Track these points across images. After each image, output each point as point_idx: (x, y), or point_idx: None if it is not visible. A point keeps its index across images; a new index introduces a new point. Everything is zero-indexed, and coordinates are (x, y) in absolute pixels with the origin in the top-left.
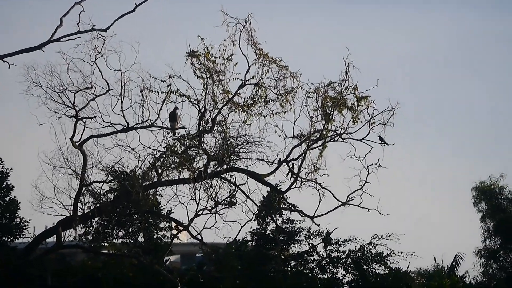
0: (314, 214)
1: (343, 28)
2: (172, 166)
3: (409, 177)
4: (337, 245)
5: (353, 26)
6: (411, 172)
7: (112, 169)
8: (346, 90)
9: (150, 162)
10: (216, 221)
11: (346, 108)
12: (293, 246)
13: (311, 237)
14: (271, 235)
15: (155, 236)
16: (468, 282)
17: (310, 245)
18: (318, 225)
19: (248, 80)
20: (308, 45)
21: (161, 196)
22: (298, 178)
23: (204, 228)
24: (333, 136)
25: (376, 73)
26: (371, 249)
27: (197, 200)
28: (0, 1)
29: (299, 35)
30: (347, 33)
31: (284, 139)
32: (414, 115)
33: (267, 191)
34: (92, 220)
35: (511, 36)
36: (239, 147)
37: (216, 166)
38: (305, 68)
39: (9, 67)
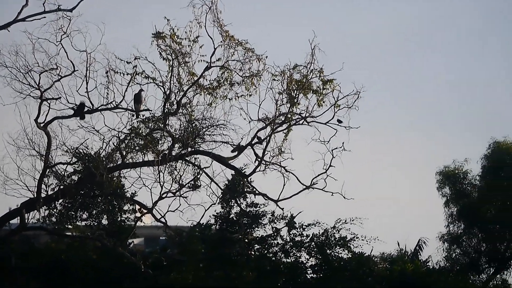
0: (278, 198)
1: (310, 10)
2: (137, 148)
3: (373, 161)
4: (301, 229)
5: (319, 8)
6: (375, 156)
7: (77, 151)
8: (311, 73)
9: (115, 144)
10: (180, 204)
11: (311, 91)
12: (257, 230)
13: (275, 221)
14: (235, 218)
15: (119, 219)
16: (431, 267)
17: (274, 229)
18: (282, 209)
19: (214, 62)
20: (275, 28)
21: (125, 178)
22: (263, 162)
23: (168, 211)
24: (298, 120)
25: (342, 55)
26: (334, 233)
27: (161, 183)
28: None
29: (266, 17)
30: (313, 15)
31: (249, 122)
32: (379, 98)
33: (232, 174)
34: (56, 202)
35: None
36: (204, 130)
37: (180, 149)
38: (271, 50)
39: None
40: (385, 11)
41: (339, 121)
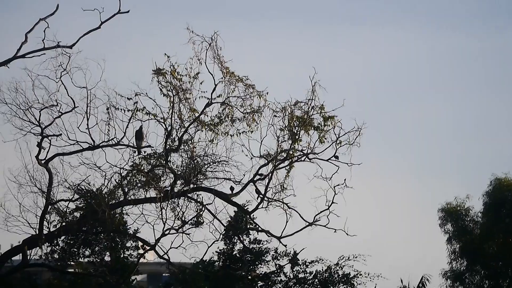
0: (281, 235)
1: (311, 48)
2: (139, 185)
3: (376, 197)
4: (304, 265)
5: (320, 46)
6: (378, 193)
7: (78, 187)
8: (312, 110)
9: (117, 180)
10: (183, 241)
11: (312, 128)
12: (260, 267)
13: (278, 257)
14: (238, 255)
15: (122, 256)
16: None
17: (277, 265)
18: (285, 246)
19: (215, 98)
20: (275, 64)
21: (128, 215)
22: (265, 198)
23: (171, 247)
24: (299, 156)
25: (343, 92)
26: (338, 270)
27: (164, 220)
28: None
29: (266, 54)
30: (314, 52)
31: (251, 159)
32: (381, 135)
33: (234, 211)
34: (58, 239)
35: (476, 53)
36: (206, 166)
37: (183, 186)
38: (272, 87)
39: None
40: (386, 50)
41: (336, 157)
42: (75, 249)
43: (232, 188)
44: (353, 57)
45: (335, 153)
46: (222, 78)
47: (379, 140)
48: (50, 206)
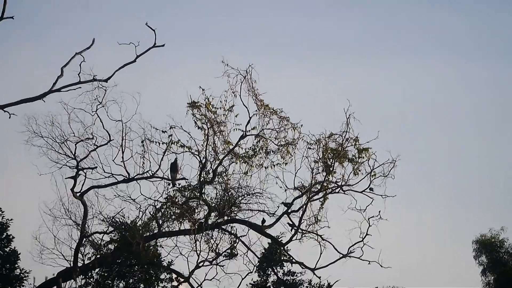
0: (315, 266)
1: (345, 80)
2: (173, 217)
3: (410, 229)
4: None
5: (355, 78)
6: (412, 224)
7: (113, 220)
8: (347, 142)
9: (151, 213)
10: (217, 273)
11: (347, 160)
12: None
13: None
14: (272, 287)
15: None
16: None
17: None
18: (319, 278)
19: (249, 131)
20: (310, 97)
21: (162, 247)
22: (299, 230)
23: (205, 279)
24: (334, 188)
25: (377, 124)
26: None
27: (198, 252)
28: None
29: (300, 86)
30: (349, 84)
31: (285, 191)
32: (415, 166)
33: (268, 242)
34: (93, 271)
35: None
36: (240, 198)
37: (217, 218)
38: (306, 119)
39: (9, 117)
40: (421, 81)
41: (371, 189)
42: (109, 282)
43: (264, 221)
44: (387, 88)
45: (369, 185)
46: (256, 110)
47: (413, 172)
48: (84, 239)
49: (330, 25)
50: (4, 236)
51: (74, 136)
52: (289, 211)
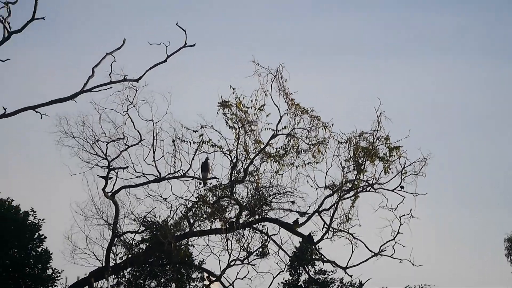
0: (347, 265)
1: (376, 79)
2: (204, 216)
3: (442, 227)
4: None
5: (385, 76)
6: (444, 222)
7: (144, 219)
8: (377, 140)
9: (182, 212)
10: (248, 272)
11: (378, 159)
12: None
13: None
14: (303, 286)
15: (188, 287)
16: None
17: None
18: (351, 276)
19: (280, 130)
20: (340, 95)
21: (193, 246)
22: (330, 229)
23: (236, 278)
24: (365, 187)
25: (408, 122)
26: None
27: (229, 251)
28: (32, 52)
29: (331, 84)
30: (379, 82)
31: (316, 190)
32: (447, 164)
33: (299, 241)
34: (125, 271)
35: None
36: (271, 197)
37: (248, 217)
38: (337, 118)
39: (41, 118)
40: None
41: (402, 187)
42: (141, 281)
43: (297, 220)
44: (418, 86)
45: (400, 183)
46: (287, 109)
47: (444, 169)
48: (116, 238)
49: (360, 26)
50: (36, 236)
51: (105, 136)
52: (320, 209)
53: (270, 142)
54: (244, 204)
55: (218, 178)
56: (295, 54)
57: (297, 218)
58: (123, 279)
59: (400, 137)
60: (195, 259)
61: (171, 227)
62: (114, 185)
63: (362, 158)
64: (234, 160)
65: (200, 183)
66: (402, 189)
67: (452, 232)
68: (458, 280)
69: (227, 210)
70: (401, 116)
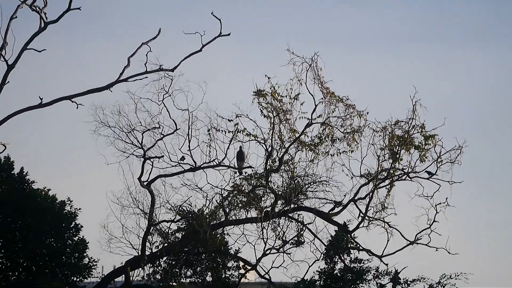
0: (382, 254)
1: (411, 65)
2: (240, 205)
3: (478, 215)
4: (406, 284)
5: (420, 64)
6: (480, 211)
7: (180, 208)
8: (413, 129)
9: (218, 201)
10: (284, 261)
11: (413, 147)
12: (362, 286)
13: (380, 276)
14: (339, 274)
15: (223, 276)
16: None
17: (379, 284)
18: (387, 265)
19: (315, 119)
20: (375, 83)
21: (229, 235)
22: (366, 217)
23: (272, 267)
24: (400, 175)
25: (443, 110)
26: None
27: (265, 239)
28: (68, 43)
29: (367, 73)
30: (415, 71)
31: (352, 178)
32: (483, 152)
33: (335, 230)
34: (160, 260)
35: None
36: (307, 186)
37: (283, 205)
38: (372, 107)
39: (77, 107)
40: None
41: (429, 173)
42: (177, 270)
43: (333, 208)
44: (454, 75)
45: (436, 171)
46: (322, 98)
47: (480, 158)
48: (152, 227)
49: (396, 14)
50: (72, 225)
51: (141, 125)
52: (356, 198)
53: (305, 131)
54: (280, 193)
55: (253, 167)
56: (331, 43)
57: (334, 205)
58: (159, 268)
59: (435, 126)
60: (231, 248)
61: (207, 216)
62: (149, 174)
63: (397, 147)
64: (269, 149)
65: (235, 172)
66: (430, 175)
67: (488, 221)
68: (494, 269)
69: (263, 199)
70: (437, 105)
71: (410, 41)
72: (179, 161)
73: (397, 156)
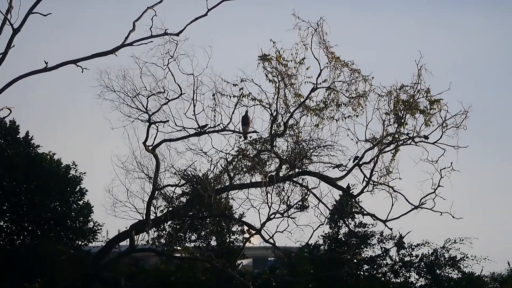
0: (387, 218)
1: (416, 30)
2: (244, 169)
3: (483, 180)
4: (410, 249)
5: (426, 28)
6: (485, 175)
7: (185, 173)
8: (418, 93)
9: (222, 166)
10: (288, 225)
11: (418, 112)
12: (366, 250)
13: (384, 241)
14: (343, 239)
15: (228, 240)
16: None
17: (383, 249)
18: (391, 229)
19: (320, 83)
20: (380, 48)
21: (233, 199)
22: (370, 182)
23: (276, 232)
24: (405, 140)
25: (449, 75)
26: (444, 253)
27: (269, 204)
28: (73, 6)
29: (372, 37)
30: (420, 35)
31: (356, 143)
32: (489, 118)
33: (339, 194)
34: (165, 224)
35: None
36: (311, 150)
37: (288, 170)
38: (377, 71)
39: (82, 72)
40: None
41: (426, 137)
42: (181, 234)
43: (339, 165)
44: (458, 40)
45: (441, 136)
46: (327, 63)
47: (486, 123)
48: (157, 192)
49: None
50: (77, 189)
51: (146, 90)
52: (361, 163)
53: (310, 96)
54: (284, 157)
55: (258, 132)
56: (336, 7)
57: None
58: (164, 232)
59: (441, 90)
60: (235, 212)
61: (212, 181)
62: (154, 138)
63: (402, 111)
64: (274, 114)
65: (240, 137)
66: (426, 139)
67: (493, 185)
68: (498, 233)
69: (267, 163)
70: (442, 69)
71: (416, 4)
72: (201, 129)
73: (402, 120)
